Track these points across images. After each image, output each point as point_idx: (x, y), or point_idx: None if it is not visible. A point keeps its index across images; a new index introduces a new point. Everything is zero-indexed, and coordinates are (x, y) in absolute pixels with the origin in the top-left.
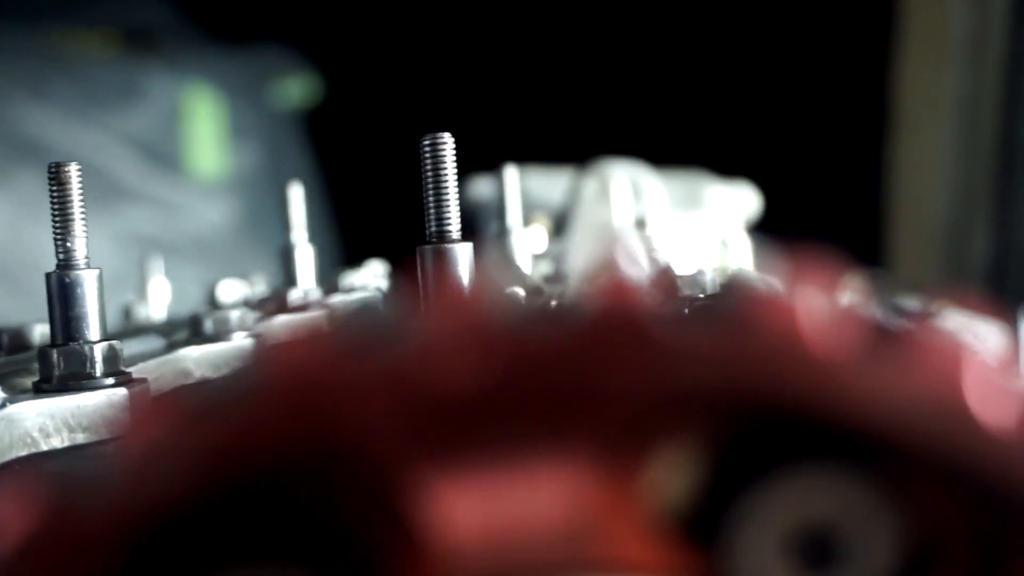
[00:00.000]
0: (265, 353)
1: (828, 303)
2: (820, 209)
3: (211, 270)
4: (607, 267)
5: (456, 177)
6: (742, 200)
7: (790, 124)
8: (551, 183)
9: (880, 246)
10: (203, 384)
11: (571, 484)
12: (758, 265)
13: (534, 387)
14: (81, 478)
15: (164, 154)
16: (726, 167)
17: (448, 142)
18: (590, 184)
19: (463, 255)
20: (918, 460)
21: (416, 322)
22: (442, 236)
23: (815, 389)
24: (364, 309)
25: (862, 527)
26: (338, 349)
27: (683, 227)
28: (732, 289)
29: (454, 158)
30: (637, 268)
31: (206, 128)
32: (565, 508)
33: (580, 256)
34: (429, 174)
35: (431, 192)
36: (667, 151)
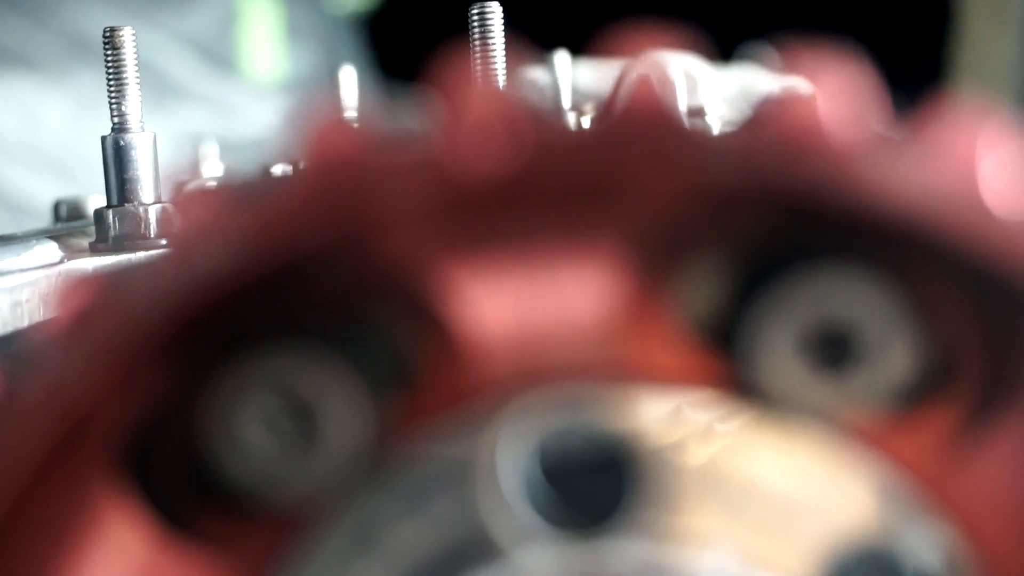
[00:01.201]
0: (302, 141)
1: (846, 98)
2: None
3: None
4: (638, 71)
5: (504, 45)
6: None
7: (852, 25)
8: (605, 74)
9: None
10: (243, 178)
11: (600, 285)
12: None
13: (561, 175)
14: (132, 266)
15: (220, 55)
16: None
17: (496, 11)
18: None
19: None
20: (934, 257)
21: (447, 112)
22: None
23: (831, 177)
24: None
25: (880, 330)
26: (371, 137)
27: (738, 117)
28: (759, 97)
29: (502, 25)
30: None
31: (262, 29)
32: (594, 310)
33: None
34: (477, 41)
35: (479, 59)
36: (725, 45)
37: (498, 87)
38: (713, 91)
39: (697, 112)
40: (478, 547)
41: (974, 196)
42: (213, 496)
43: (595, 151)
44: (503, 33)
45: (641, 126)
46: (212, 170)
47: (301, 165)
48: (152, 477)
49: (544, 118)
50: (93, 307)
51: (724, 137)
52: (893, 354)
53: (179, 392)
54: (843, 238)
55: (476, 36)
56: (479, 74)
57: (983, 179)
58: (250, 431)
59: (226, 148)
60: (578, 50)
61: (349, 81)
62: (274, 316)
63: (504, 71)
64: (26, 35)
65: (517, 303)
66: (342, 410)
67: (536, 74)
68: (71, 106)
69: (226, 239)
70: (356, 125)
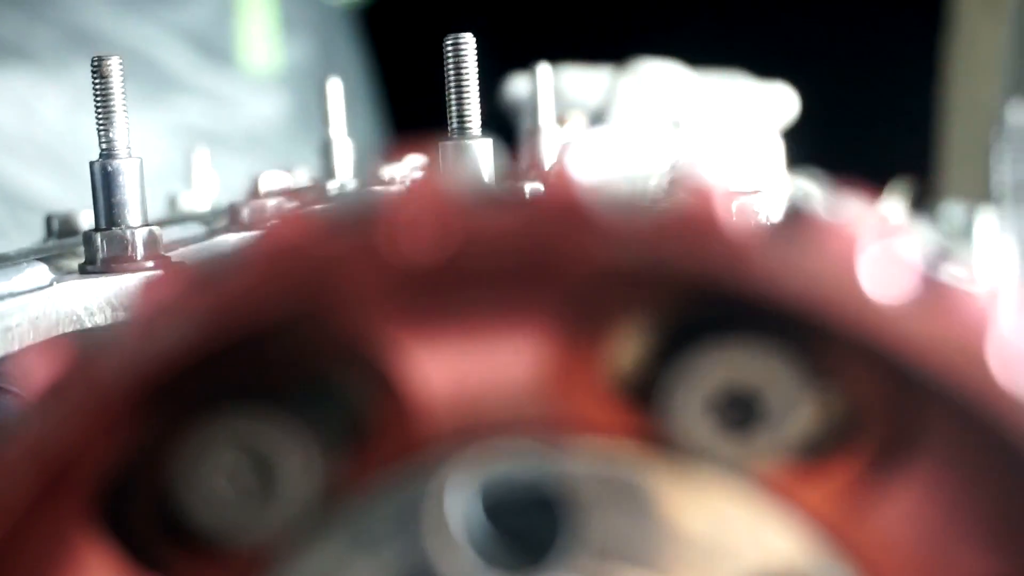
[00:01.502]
0: (259, 229)
1: (746, 194)
2: (870, 114)
3: (260, 163)
4: (557, 160)
5: (477, 76)
6: (779, 101)
7: (845, 19)
8: (589, 82)
9: (929, 153)
10: (205, 257)
11: (531, 349)
12: (787, 167)
13: (487, 259)
14: (100, 337)
15: (216, 47)
16: (767, 68)
17: (470, 43)
18: (627, 83)
19: (482, 150)
20: (830, 335)
21: (388, 202)
22: (463, 132)
23: (725, 264)
24: (348, 195)
25: (782, 393)
26: (319, 224)
27: (719, 127)
28: (671, 182)
29: (475, 58)
30: (585, 165)
31: (259, 21)
32: (526, 371)
33: (615, 152)
34: (451, 73)
35: (453, 90)
36: (705, 51)
37: (436, 178)
38: (694, 97)
39: (676, 124)
40: None
41: (853, 282)
42: (181, 539)
43: (516, 238)
44: (476, 63)
45: (556, 216)
46: (205, 177)
47: (257, 246)
48: (125, 522)
49: (472, 208)
50: (70, 372)
51: (631, 223)
52: (795, 413)
53: (149, 447)
54: (744, 314)
55: (451, 66)
56: (453, 105)
57: (862, 267)
58: (214, 482)
59: (222, 143)
60: (564, 57)
61: (336, 94)
62: (236, 380)
63: (476, 102)
64: (23, 28)
65: (458, 366)
66: (298, 463)
67: (520, 84)
68: (68, 99)
69: (189, 315)
70: (308, 215)
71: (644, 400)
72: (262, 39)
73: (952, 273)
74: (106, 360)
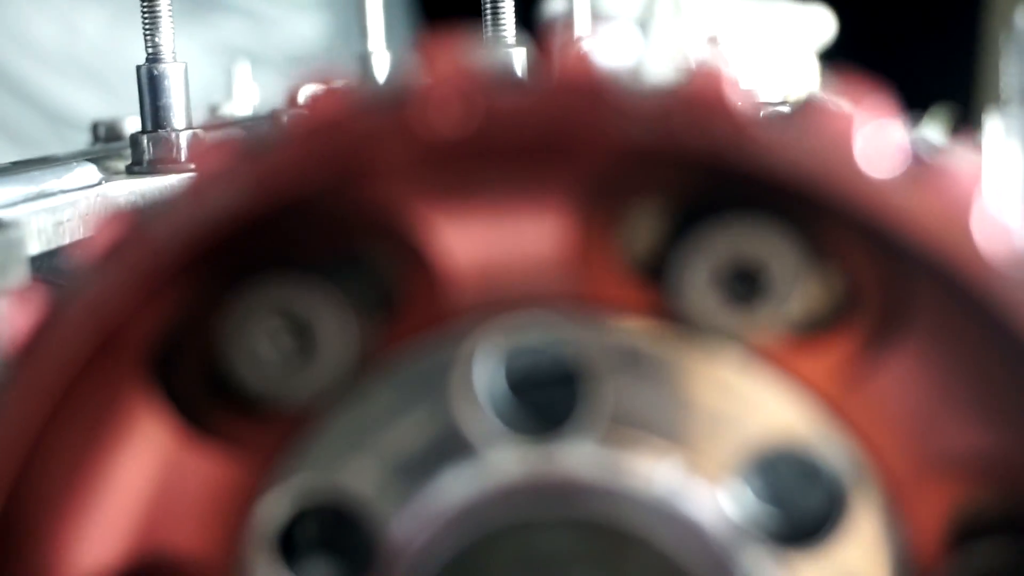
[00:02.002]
0: (298, 103)
1: (774, 104)
2: (910, 39)
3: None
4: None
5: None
6: (817, 22)
7: (885, 24)
8: (627, 0)
9: (972, 80)
10: (250, 128)
11: (553, 227)
12: (824, 88)
13: (509, 136)
14: (152, 204)
15: None
16: None
17: None
18: (664, 1)
19: (518, 60)
20: (828, 213)
21: (418, 78)
22: (499, 43)
23: (732, 140)
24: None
25: (784, 269)
26: (353, 101)
27: (756, 45)
28: (685, 66)
29: None
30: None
31: None
32: (547, 247)
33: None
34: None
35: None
36: None
37: (462, 59)
38: (731, 15)
39: (712, 41)
40: (453, 446)
41: (848, 158)
42: (227, 399)
43: (535, 117)
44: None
45: (572, 94)
46: (245, 89)
47: (298, 122)
48: (175, 383)
49: (495, 87)
50: (123, 237)
51: (643, 102)
52: (797, 288)
53: (198, 310)
54: (750, 191)
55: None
56: (488, 15)
57: (857, 144)
58: (258, 345)
59: (262, 62)
60: None
61: (374, 7)
62: (278, 249)
63: (511, 13)
64: None
65: (484, 241)
66: (335, 328)
67: (557, 3)
68: (108, 16)
69: (235, 183)
70: (344, 93)
71: (656, 277)
72: None
73: (943, 156)
74: (158, 225)
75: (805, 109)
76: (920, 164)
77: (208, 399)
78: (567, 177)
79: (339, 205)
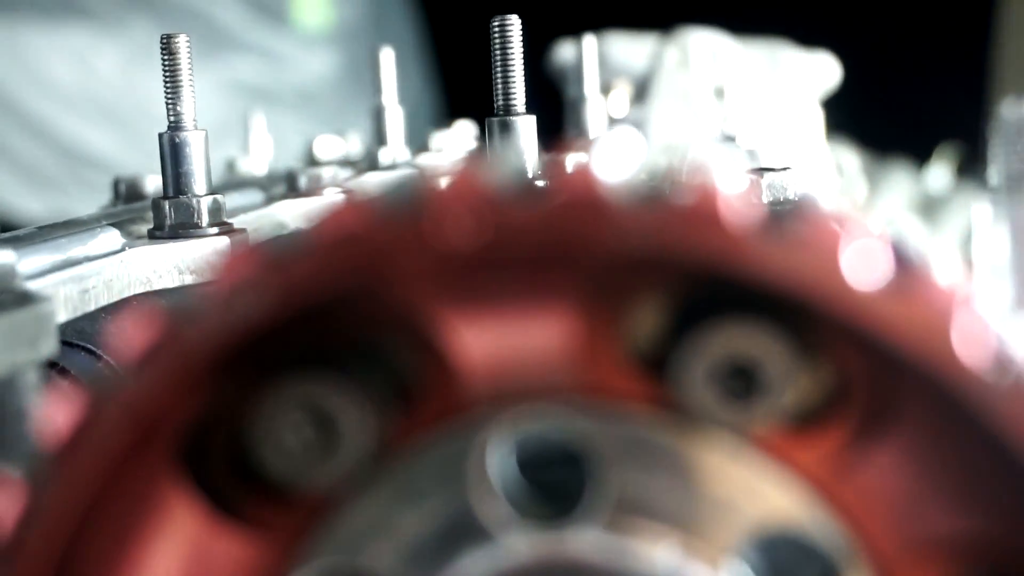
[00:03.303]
0: (322, 215)
1: (776, 171)
2: (918, 81)
3: (312, 120)
4: (571, 160)
5: (522, 56)
6: (822, 70)
7: (898, 22)
8: (635, 50)
9: (978, 121)
10: (275, 238)
11: (560, 324)
12: (829, 135)
13: (518, 247)
14: (185, 308)
15: (270, 5)
16: (812, 38)
17: (515, 23)
18: (672, 51)
19: (526, 127)
20: (819, 317)
21: (431, 195)
22: (508, 110)
23: (724, 254)
24: (399, 183)
25: (779, 367)
26: (373, 213)
27: (762, 95)
28: (672, 179)
29: (520, 38)
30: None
31: None
32: (554, 343)
33: (659, 122)
34: (498, 52)
35: (499, 69)
36: (750, 21)
37: (475, 171)
38: (737, 66)
39: (721, 90)
40: (469, 532)
41: (835, 272)
42: (253, 486)
43: (542, 229)
44: (521, 43)
45: (574, 210)
46: (261, 140)
47: (321, 234)
48: (204, 471)
49: (504, 202)
50: (158, 342)
51: (642, 216)
52: (790, 384)
53: (227, 405)
54: (745, 297)
55: (497, 46)
56: (499, 83)
57: (844, 259)
58: (283, 436)
59: (274, 100)
60: (612, 24)
61: (388, 62)
62: (302, 348)
63: (521, 81)
64: None
65: (495, 338)
66: (355, 420)
67: (566, 51)
68: (125, 55)
69: (262, 293)
70: (364, 204)
71: (657, 370)
72: None
73: (927, 263)
74: (191, 329)
75: (796, 218)
76: (904, 275)
77: (236, 486)
78: (571, 282)
79: (360, 308)
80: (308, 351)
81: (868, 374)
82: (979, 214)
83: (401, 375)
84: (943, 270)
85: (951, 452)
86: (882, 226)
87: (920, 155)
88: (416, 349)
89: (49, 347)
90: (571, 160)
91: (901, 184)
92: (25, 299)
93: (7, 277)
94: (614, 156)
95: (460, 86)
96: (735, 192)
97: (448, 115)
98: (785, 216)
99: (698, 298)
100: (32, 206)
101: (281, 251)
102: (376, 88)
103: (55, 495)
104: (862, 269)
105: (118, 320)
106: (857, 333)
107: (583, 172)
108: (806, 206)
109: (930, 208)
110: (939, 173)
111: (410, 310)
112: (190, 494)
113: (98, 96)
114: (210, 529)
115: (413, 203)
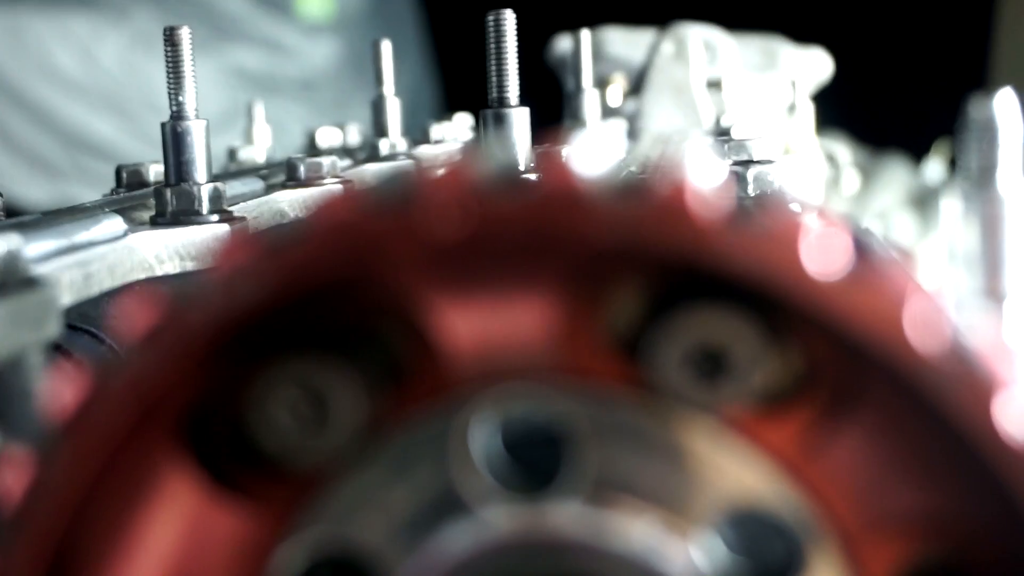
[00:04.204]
0: (318, 205)
1: (714, 186)
2: (918, 72)
3: (313, 109)
4: (555, 153)
5: (516, 50)
6: (815, 64)
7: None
8: (632, 43)
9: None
10: (274, 227)
11: (542, 309)
12: (820, 129)
13: (502, 237)
14: (186, 292)
15: None
16: (805, 33)
17: (510, 19)
18: (667, 45)
19: (519, 119)
20: (784, 305)
21: (422, 187)
22: (502, 102)
23: (694, 246)
24: (392, 175)
25: (747, 351)
26: (366, 204)
27: (756, 89)
28: (652, 172)
29: (515, 33)
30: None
31: None
32: (536, 328)
33: (654, 114)
34: (492, 47)
35: (494, 62)
36: (744, 16)
37: (464, 165)
38: (732, 60)
39: (715, 83)
40: (451, 505)
41: (796, 262)
42: (250, 461)
43: (524, 221)
44: (515, 38)
45: (554, 203)
46: (262, 132)
47: (316, 222)
48: (205, 448)
49: (489, 194)
50: (161, 323)
51: (618, 210)
52: (757, 367)
53: (225, 384)
54: (715, 285)
55: (492, 40)
56: (494, 76)
57: (804, 250)
58: (278, 413)
59: (276, 88)
60: (610, 19)
61: (387, 54)
62: (298, 331)
63: (515, 74)
64: None
65: (481, 322)
66: (347, 398)
67: (564, 43)
68: (125, 45)
69: (260, 278)
70: (357, 195)
71: (633, 353)
72: None
73: (884, 255)
74: (192, 312)
75: (762, 212)
76: (862, 266)
77: (233, 462)
78: (552, 270)
79: (353, 293)
80: (303, 333)
81: (832, 359)
82: (949, 207)
83: (391, 356)
84: (900, 262)
85: (909, 434)
86: (847, 220)
87: (918, 149)
88: (405, 332)
89: (53, 330)
90: (561, 153)
91: (896, 177)
92: (30, 283)
93: (13, 262)
94: (596, 150)
95: (458, 79)
96: (706, 187)
97: (446, 107)
98: (752, 210)
99: (672, 286)
100: (35, 193)
101: (278, 239)
102: (375, 74)
103: (62, 468)
104: (822, 260)
105: (121, 304)
106: (819, 320)
107: (564, 167)
108: (773, 200)
109: (926, 201)
110: (936, 167)
111: (400, 295)
112: (189, 469)
113: (101, 84)
114: (208, 502)
115: (404, 194)
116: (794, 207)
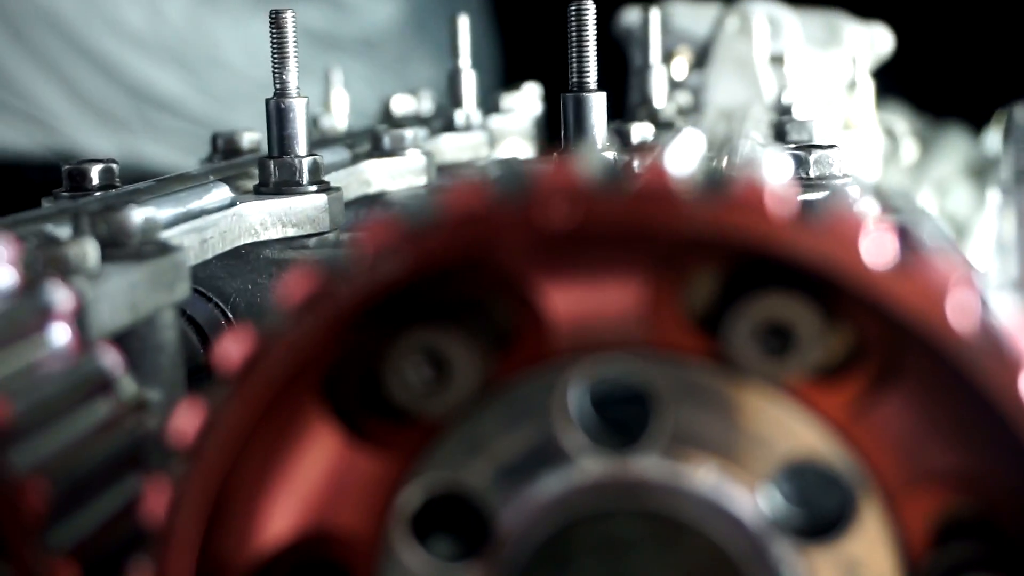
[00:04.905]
0: (444, 194)
1: (782, 185)
2: (980, 44)
3: (375, 68)
4: (654, 158)
5: (595, 39)
6: (876, 40)
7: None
8: (698, 17)
9: None
10: (409, 212)
11: (634, 289)
12: (881, 103)
13: (603, 228)
14: (338, 267)
15: None
16: (869, 9)
17: (591, 8)
18: (732, 20)
19: (598, 102)
20: (842, 289)
21: (535, 183)
22: (582, 86)
23: (766, 238)
24: (506, 166)
25: (809, 330)
26: (488, 196)
27: (818, 64)
28: (734, 172)
29: (595, 22)
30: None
31: None
32: (628, 305)
33: (718, 88)
34: (574, 35)
35: (575, 49)
36: None
37: (571, 164)
38: (796, 36)
39: (778, 58)
40: (551, 453)
41: (856, 254)
42: (380, 413)
43: (622, 215)
44: (595, 26)
45: (649, 199)
46: (340, 100)
47: (447, 213)
48: (342, 400)
49: (594, 191)
50: (316, 293)
51: (702, 206)
52: (817, 344)
53: (364, 347)
54: (783, 271)
55: (573, 29)
56: (575, 62)
57: (863, 244)
58: (406, 372)
59: (340, 47)
60: None
61: (464, 30)
62: (427, 303)
63: (594, 60)
64: None
65: (580, 300)
66: (464, 361)
67: (631, 15)
68: (192, 1)
69: (399, 258)
70: (481, 188)
71: (710, 329)
72: None
73: (931, 247)
74: (342, 285)
75: (826, 208)
76: (911, 257)
77: (366, 414)
78: (643, 256)
79: (473, 272)
80: (431, 305)
81: (881, 336)
82: (990, 203)
83: (503, 326)
84: (945, 250)
85: (946, 402)
86: (900, 208)
87: (979, 119)
88: (516, 306)
89: (184, 291)
90: (656, 151)
91: (955, 147)
92: (165, 249)
93: (153, 230)
94: (682, 153)
95: (518, 46)
96: (778, 186)
97: (505, 75)
98: (817, 206)
99: (745, 271)
100: (103, 145)
101: (415, 224)
102: (452, 52)
103: (229, 412)
104: (876, 252)
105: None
106: (872, 303)
107: (656, 167)
108: (836, 197)
109: (985, 172)
110: (996, 137)
111: (514, 275)
112: (330, 418)
113: (166, 39)
114: (345, 448)
115: (521, 189)
116: (853, 203)
